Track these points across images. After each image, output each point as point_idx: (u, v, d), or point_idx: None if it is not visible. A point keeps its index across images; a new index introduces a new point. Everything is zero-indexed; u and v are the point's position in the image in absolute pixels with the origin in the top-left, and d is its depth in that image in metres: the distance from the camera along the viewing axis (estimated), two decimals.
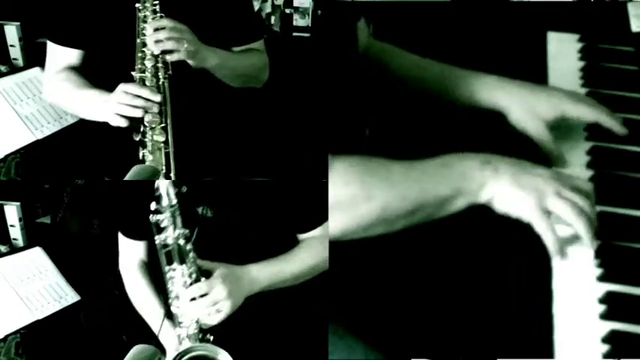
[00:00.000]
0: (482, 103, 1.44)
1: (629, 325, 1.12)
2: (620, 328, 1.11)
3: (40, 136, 1.89)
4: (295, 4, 2.30)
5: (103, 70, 1.68)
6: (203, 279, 1.45)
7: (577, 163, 1.39)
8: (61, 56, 1.73)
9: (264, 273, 1.52)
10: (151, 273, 1.70)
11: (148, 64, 1.56)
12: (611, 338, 1.10)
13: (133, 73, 1.56)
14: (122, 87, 1.55)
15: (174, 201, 1.40)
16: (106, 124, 1.65)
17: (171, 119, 1.57)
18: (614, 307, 1.14)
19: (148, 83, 1.56)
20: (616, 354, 1.08)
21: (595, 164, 1.38)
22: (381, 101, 1.56)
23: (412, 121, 1.60)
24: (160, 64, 1.56)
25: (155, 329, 1.64)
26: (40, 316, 1.98)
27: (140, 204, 1.60)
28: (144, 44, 1.55)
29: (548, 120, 1.39)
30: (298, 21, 2.30)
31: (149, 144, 1.57)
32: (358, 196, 1.16)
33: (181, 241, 1.43)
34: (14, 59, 2.08)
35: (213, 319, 1.45)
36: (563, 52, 1.65)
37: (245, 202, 1.56)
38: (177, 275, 1.44)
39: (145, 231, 1.64)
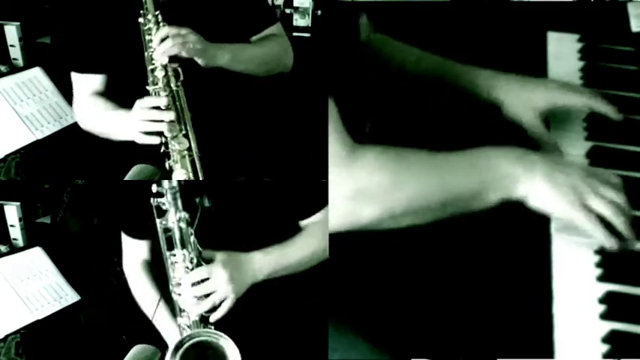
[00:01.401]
0: (479, 96, 1.46)
1: (629, 325, 1.12)
2: (620, 328, 1.11)
3: (40, 136, 1.89)
4: (295, 4, 2.30)
5: (126, 90, 1.67)
6: (204, 264, 1.44)
7: (577, 163, 1.39)
8: (85, 83, 1.74)
9: (268, 260, 1.51)
10: (155, 272, 1.70)
11: (159, 74, 1.54)
12: (611, 338, 1.10)
13: (147, 87, 1.56)
14: (138, 103, 1.55)
15: (175, 182, 1.40)
16: None
17: (191, 125, 1.55)
18: (614, 307, 1.14)
19: (162, 93, 1.55)
20: (616, 354, 1.08)
21: (595, 164, 1.38)
22: (380, 94, 1.56)
23: (412, 117, 1.60)
24: (170, 73, 1.55)
25: (160, 327, 1.64)
26: (40, 316, 1.98)
27: (142, 203, 1.60)
28: (152, 57, 1.55)
29: (541, 110, 1.42)
30: (298, 21, 2.30)
31: (173, 153, 1.55)
32: (388, 184, 1.16)
33: (182, 225, 1.42)
34: (14, 59, 2.08)
35: (219, 310, 1.44)
36: (563, 52, 1.65)
37: (244, 192, 1.56)
38: (179, 261, 1.44)
39: (148, 230, 1.64)
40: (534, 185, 1.17)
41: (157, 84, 1.55)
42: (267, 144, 1.82)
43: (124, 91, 1.68)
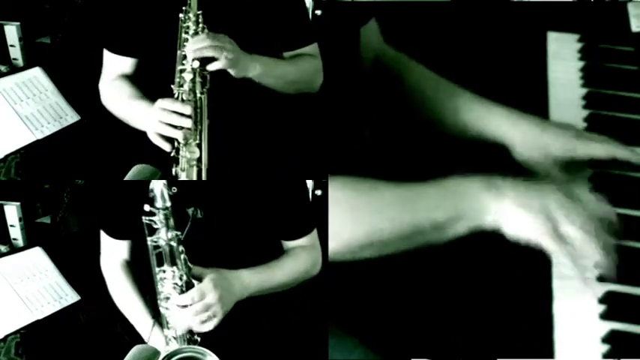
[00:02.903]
0: (489, 135, 1.40)
1: (629, 325, 1.12)
2: (620, 328, 1.11)
3: (40, 136, 1.89)
4: None
5: (154, 80, 1.65)
6: (195, 282, 1.44)
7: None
8: (115, 64, 1.73)
9: (254, 279, 1.52)
10: (134, 273, 1.70)
11: (187, 77, 1.51)
12: (611, 338, 1.10)
13: (172, 87, 1.53)
14: (159, 103, 1.52)
15: (168, 203, 1.40)
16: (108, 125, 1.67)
17: (207, 135, 1.53)
18: (614, 307, 1.14)
19: (185, 97, 1.52)
20: (616, 354, 1.08)
21: (595, 165, 1.38)
22: (386, 109, 1.54)
23: (415, 129, 1.59)
24: (198, 78, 1.52)
25: (139, 328, 1.64)
26: (40, 316, 1.98)
27: (124, 203, 1.60)
28: (184, 56, 1.51)
29: (557, 158, 1.35)
30: None
31: (182, 160, 1.53)
32: (345, 219, 1.14)
33: (173, 243, 1.42)
34: (14, 59, 2.08)
35: (206, 325, 1.44)
36: (563, 52, 1.65)
37: (237, 206, 1.55)
38: (168, 277, 1.44)
39: (129, 230, 1.63)
40: (505, 211, 1.12)
41: (182, 86, 1.52)
42: (287, 155, 1.81)
43: (152, 79, 1.67)
